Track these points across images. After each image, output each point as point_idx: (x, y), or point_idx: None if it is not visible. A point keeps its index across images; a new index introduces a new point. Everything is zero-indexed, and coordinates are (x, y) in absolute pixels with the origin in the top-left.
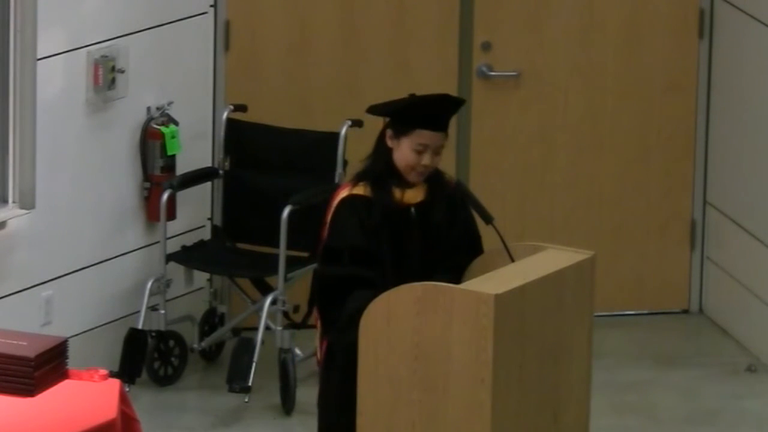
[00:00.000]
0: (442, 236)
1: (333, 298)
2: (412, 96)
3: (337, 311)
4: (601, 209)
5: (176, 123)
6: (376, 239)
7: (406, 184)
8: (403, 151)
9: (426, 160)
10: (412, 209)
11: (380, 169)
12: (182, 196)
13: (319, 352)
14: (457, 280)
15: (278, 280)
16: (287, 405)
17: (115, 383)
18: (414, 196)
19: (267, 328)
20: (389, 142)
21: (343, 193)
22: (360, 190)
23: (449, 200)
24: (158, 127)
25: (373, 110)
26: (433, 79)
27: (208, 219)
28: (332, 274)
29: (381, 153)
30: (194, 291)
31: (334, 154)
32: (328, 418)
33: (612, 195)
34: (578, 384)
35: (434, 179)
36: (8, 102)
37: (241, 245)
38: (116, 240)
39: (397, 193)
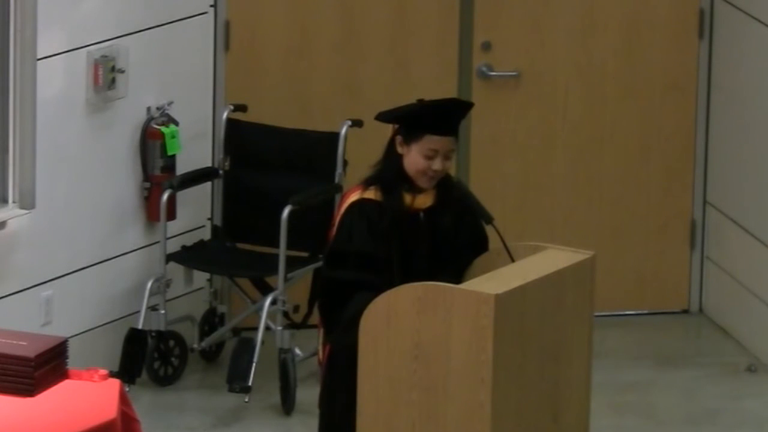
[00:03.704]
0: (450, 240)
1: (336, 302)
2: (421, 101)
3: (339, 315)
4: (601, 209)
5: (176, 123)
6: (384, 244)
7: (416, 190)
8: (414, 157)
9: (437, 165)
10: (421, 214)
11: (391, 174)
12: (182, 196)
13: (321, 352)
14: (461, 280)
15: (278, 280)
16: (287, 405)
17: (115, 383)
18: (423, 201)
19: (267, 328)
20: (399, 149)
21: (353, 197)
22: (371, 194)
23: (458, 204)
24: (158, 127)
25: (382, 117)
26: (433, 79)
27: (208, 219)
28: (337, 278)
29: (391, 159)
30: (194, 291)
31: (334, 154)
32: (329, 419)
33: (612, 195)
34: (578, 384)
35: (443, 183)
36: (8, 102)
37: (241, 245)
38: (116, 240)
39: (407, 198)
